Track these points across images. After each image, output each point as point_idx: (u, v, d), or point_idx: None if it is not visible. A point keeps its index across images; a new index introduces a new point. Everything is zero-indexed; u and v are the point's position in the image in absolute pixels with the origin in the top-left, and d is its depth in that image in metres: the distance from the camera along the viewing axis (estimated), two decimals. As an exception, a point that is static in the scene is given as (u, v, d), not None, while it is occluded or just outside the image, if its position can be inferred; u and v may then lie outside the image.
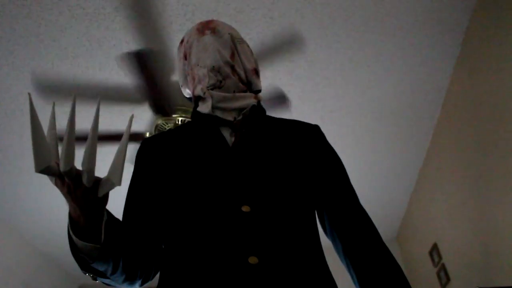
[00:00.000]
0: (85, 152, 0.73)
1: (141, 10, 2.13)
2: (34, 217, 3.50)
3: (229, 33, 1.11)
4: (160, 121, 2.52)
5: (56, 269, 4.24)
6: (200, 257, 0.83)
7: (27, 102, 2.51)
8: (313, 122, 1.13)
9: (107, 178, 0.75)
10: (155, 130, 2.58)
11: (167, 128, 2.55)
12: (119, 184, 0.74)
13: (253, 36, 2.31)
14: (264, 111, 1.08)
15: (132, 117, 0.81)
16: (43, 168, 0.71)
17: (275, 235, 0.85)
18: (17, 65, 2.31)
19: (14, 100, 2.50)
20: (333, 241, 0.99)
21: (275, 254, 0.82)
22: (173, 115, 2.53)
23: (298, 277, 0.82)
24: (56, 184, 0.76)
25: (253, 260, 0.80)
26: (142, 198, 0.96)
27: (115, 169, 0.75)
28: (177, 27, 2.22)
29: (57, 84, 2.43)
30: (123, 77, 2.44)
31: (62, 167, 0.71)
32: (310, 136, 1.04)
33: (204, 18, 2.19)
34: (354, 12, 2.24)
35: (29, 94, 0.76)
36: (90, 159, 0.73)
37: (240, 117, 1.00)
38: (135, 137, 2.60)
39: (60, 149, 0.74)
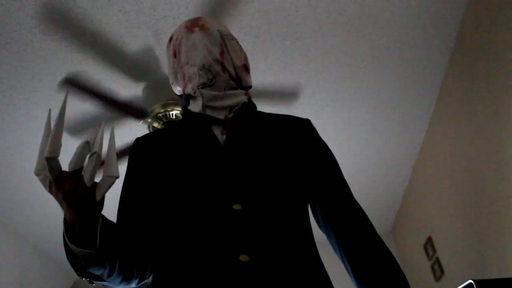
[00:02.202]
0: (96, 139, 0.75)
1: (134, 3, 2.11)
2: (29, 212, 3.49)
3: (218, 30, 1.10)
4: (160, 110, 2.54)
5: (52, 265, 4.23)
6: (191, 255, 0.84)
7: (20, 96, 2.49)
8: (307, 116, 1.13)
9: (105, 176, 0.76)
10: (153, 116, 2.58)
11: (163, 120, 2.55)
12: (118, 174, 0.75)
13: (247, 30, 2.30)
14: (255, 108, 1.08)
15: (113, 129, 0.85)
16: (54, 156, 0.72)
17: (266, 233, 0.85)
18: (9, 59, 2.29)
19: (7, 95, 2.48)
20: (327, 234, 0.99)
21: (266, 251, 0.82)
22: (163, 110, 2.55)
23: (290, 274, 0.82)
24: (50, 191, 0.75)
25: (244, 258, 0.80)
26: (136, 197, 0.96)
27: (110, 164, 0.76)
28: (170, 21, 2.21)
29: (50, 78, 2.42)
30: (117, 74, 2.43)
31: (72, 167, 0.73)
32: (301, 131, 1.04)
33: (197, 11, 2.18)
34: (349, 6, 2.24)
35: (67, 91, 0.78)
36: (100, 145, 0.75)
37: (231, 115, 1.00)
38: (133, 112, 2.58)
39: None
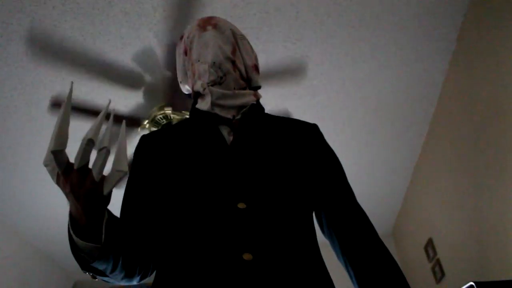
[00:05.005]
0: (104, 134, 0.75)
1: (135, 5, 2.11)
2: (30, 213, 3.49)
3: (230, 29, 1.11)
4: (157, 113, 2.54)
5: (52, 266, 4.23)
6: (194, 253, 0.83)
7: (21, 98, 2.49)
8: (308, 117, 1.13)
9: (114, 170, 0.75)
10: (151, 120, 2.58)
11: (162, 123, 2.55)
12: (127, 170, 0.75)
13: (248, 31, 2.30)
14: (263, 110, 1.08)
15: (124, 123, 0.83)
16: (60, 149, 0.71)
17: (270, 232, 0.85)
18: (10, 60, 2.29)
19: (8, 96, 2.49)
20: (331, 239, 0.99)
21: (269, 251, 0.82)
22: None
23: (293, 274, 0.82)
24: (57, 182, 0.75)
25: (247, 256, 0.80)
26: (140, 195, 0.96)
27: (120, 158, 0.75)
28: (171, 23, 2.21)
29: (51, 80, 2.42)
30: (116, 73, 2.43)
31: (77, 165, 0.72)
32: (308, 135, 1.05)
33: (198, 12, 2.18)
34: (349, 7, 2.24)
35: (71, 82, 0.77)
36: (109, 140, 0.74)
37: (239, 116, 1.00)
38: (130, 122, 2.59)
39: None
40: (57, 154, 0.72)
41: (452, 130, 2.80)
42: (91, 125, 0.75)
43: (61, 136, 0.72)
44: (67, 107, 0.74)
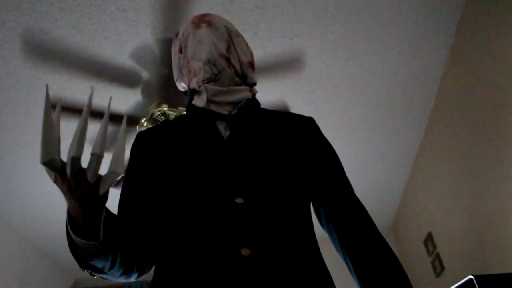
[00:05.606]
0: (96, 138, 0.74)
1: (132, 1, 2.10)
2: (29, 211, 3.49)
3: (225, 26, 1.11)
4: (155, 110, 2.53)
5: (52, 264, 4.24)
6: (193, 249, 0.84)
7: (18, 95, 2.48)
8: (307, 113, 1.13)
9: (109, 171, 0.75)
10: (149, 118, 2.58)
11: (160, 120, 2.55)
12: (123, 172, 0.75)
13: (246, 27, 2.29)
14: (259, 105, 1.09)
15: (126, 117, 0.83)
16: (49, 159, 0.71)
17: (268, 227, 0.85)
18: (8, 58, 2.28)
19: (5, 94, 2.48)
20: (329, 232, 1.00)
21: (267, 246, 0.82)
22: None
23: (291, 269, 0.82)
24: (55, 181, 0.76)
25: (245, 251, 0.80)
26: (137, 191, 0.96)
27: (117, 160, 0.75)
28: (168, 19, 2.20)
29: (49, 77, 2.41)
30: (114, 70, 2.43)
31: (72, 153, 0.72)
32: (304, 129, 1.05)
33: (195, 9, 2.17)
34: (347, 2, 2.23)
35: (46, 85, 0.76)
36: (101, 146, 0.74)
37: (235, 111, 1.01)
38: (128, 120, 2.59)
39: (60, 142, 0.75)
40: (49, 163, 0.72)
41: (451, 125, 2.80)
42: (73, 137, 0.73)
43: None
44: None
